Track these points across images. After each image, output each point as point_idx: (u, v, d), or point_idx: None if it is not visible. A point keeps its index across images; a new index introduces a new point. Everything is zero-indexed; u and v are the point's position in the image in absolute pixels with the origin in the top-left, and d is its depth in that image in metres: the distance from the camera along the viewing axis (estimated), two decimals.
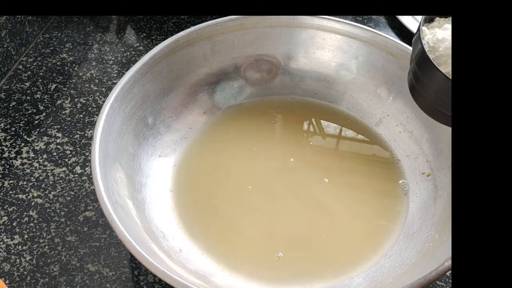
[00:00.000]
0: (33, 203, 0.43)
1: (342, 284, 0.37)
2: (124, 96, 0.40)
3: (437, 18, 0.33)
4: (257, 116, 0.48)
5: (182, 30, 0.44)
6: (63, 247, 0.40)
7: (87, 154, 0.46)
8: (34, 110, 0.50)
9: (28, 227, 0.41)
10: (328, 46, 0.47)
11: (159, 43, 0.43)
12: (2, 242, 0.40)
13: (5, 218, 0.42)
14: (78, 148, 0.47)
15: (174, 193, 0.42)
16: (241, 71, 0.48)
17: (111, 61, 0.56)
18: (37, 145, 0.47)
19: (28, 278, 0.38)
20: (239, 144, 0.46)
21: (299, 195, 0.42)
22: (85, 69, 0.55)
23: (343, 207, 0.42)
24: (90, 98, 0.52)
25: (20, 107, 0.50)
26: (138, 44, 0.58)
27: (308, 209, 0.42)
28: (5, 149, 0.46)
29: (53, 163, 0.46)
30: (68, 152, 0.47)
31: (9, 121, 0.49)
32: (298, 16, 0.46)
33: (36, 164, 0.45)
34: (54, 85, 0.53)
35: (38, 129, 0.48)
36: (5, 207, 0.42)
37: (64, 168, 0.45)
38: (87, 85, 0.53)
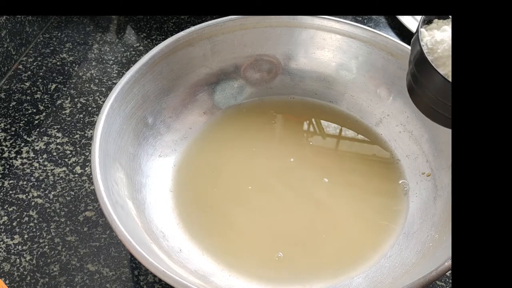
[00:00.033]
0: (33, 203, 0.43)
1: (342, 284, 0.37)
2: (124, 96, 0.40)
3: (436, 20, 0.33)
4: (257, 116, 0.48)
5: (182, 30, 0.44)
6: (63, 247, 0.40)
7: (87, 154, 0.47)
8: (34, 110, 0.50)
9: (28, 227, 0.41)
10: (328, 46, 0.47)
11: (159, 43, 0.43)
12: (2, 242, 0.40)
13: (5, 218, 0.42)
14: (78, 148, 0.47)
15: (174, 193, 0.42)
16: (241, 71, 0.48)
17: (111, 61, 0.56)
18: (37, 145, 0.47)
19: (28, 278, 0.38)
20: (239, 144, 0.46)
21: (299, 195, 0.42)
22: (85, 69, 0.55)
23: (343, 207, 0.42)
24: (90, 98, 0.52)
25: (20, 107, 0.50)
26: (138, 44, 0.58)
27: (308, 209, 0.42)
28: (5, 149, 0.46)
29: (53, 163, 0.46)
30: (68, 152, 0.47)
31: (9, 121, 0.49)
32: (298, 16, 0.46)
33: (36, 164, 0.45)
34: (54, 85, 0.53)
35: (38, 129, 0.48)
36: (5, 207, 0.42)
37: (64, 168, 0.45)
38: (87, 85, 0.53)
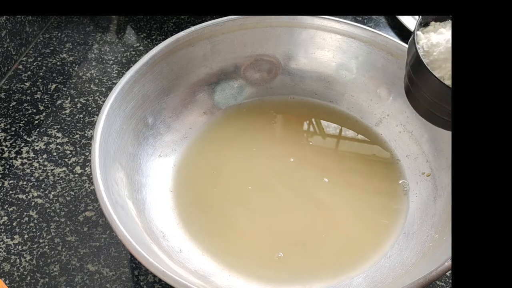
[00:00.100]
0: (33, 203, 0.43)
1: (342, 284, 0.37)
2: (124, 96, 0.40)
3: (433, 23, 0.33)
4: (257, 116, 0.48)
5: (182, 30, 0.44)
6: (63, 247, 0.40)
7: (87, 154, 0.47)
8: (34, 110, 0.50)
9: (28, 227, 0.41)
10: (328, 46, 0.47)
11: (159, 43, 0.43)
12: (2, 242, 0.40)
13: (5, 218, 0.42)
14: (78, 148, 0.47)
15: (174, 193, 0.42)
16: (241, 71, 0.48)
17: (111, 61, 0.56)
18: (37, 145, 0.47)
19: (28, 278, 0.38)
20: (239, 144, 0.46)
21: (299, 195, 0.42)
22: (85, 69, 0.55)
23: (343, 207, 0.42)
24: (90, 98, 0.52)
25: (20, 107, 0.50)
26: (138, 44, 0.58)
27: (308, 209, 0.42)
28: (5, 149, 0.46)
29: (53, 163, 0.46)
30: (68, 152, 0.47)
31: (9, 121, 0.49)
32: (298, 16, 0.46)
33: (36, 164, 0.45)
34: (54, 85, 0.53)
35: (38, 129, 0.48)
36: (5, 207, 0.42)
37: (64, 168, 0.45)
38: (87, 85, 0.53)
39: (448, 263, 0.31)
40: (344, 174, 0.44)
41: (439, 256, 0.33)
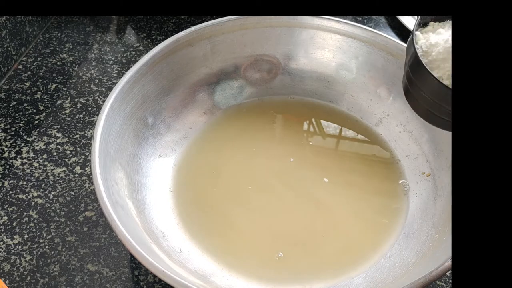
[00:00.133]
0: (33, 203, 0.43)
1: (342, 284, 0.37)
2: (124, 96, 0.40)
3: (431, 23, 0.34)
4: (257, 116, 0.48)
5: (182, 30, 0.44)
6: (63, 247, 0.40)
7: (87, 154, 0.47)
8: (34, 110, 0.50)
9: (28, 227, 0.41)
10: (328, 46, 0.47)
11: (159, 43, 0.43)
12: (2, 242, 0.40)
13: (5, 218, 0.42)
14: (78, 148, 0.47)
15: (174, 193, 0.42)
16: (241, 71, 0.48)
17: (111, 61, 0.56)
18: (37, 145, 0.47)
19: (28, 278, 0.38)
20: (239, 144, 0.46)
21: (299, 195, 0.42)
22: (85, 69, 0.55)
23: (343, 207, 0.42)
24: (90, 98, 0.52)
25: (20, 107, 0.50)
26: (138, 44, 0.58)
27: (308, 209, 0.42)
28: (5, 149, 0.46)
29: (53, 163, 0.46)
30: (68, 152, 0.47)
31: (9, 121, 0.49)
32: (298, 16, 0.46)
33: (36, 164, 0.45)
34: (54, 85, 0.53)
35: (38, 129, 0.48)
36: (5, 207, 0.42)
37: (64, 168, 0.45)
38: (87, 85, 0.53)
39: (448, 263, 0.31)
40: (344, 174, 0.44)
41: (439, 256, 0.33)
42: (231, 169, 0.44)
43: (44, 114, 0.50)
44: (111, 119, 0.38)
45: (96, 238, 0.41)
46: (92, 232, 0.41)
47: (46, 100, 0.51)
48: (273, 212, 0.41)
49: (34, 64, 0.55)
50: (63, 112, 0.50)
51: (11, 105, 0.50)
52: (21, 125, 0.48)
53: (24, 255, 0.39)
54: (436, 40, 0.31)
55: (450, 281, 0.40)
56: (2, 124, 0.48)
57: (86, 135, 0.48)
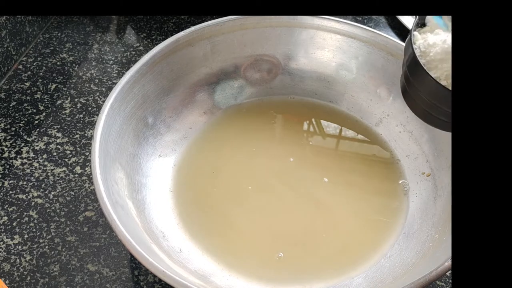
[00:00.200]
0: (33, 203, 0.43)
1: (342, 284, 0.37)
2: (124, 96, 0.40)
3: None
4: (257, 116, 0.48)
5: (182, 30, 0.44)
6: (63, 247, 0.40)
7: (87, 154, 0.47)
8: (34, 110, 0.50)
9: (28, 227, 0.41)
10: (328, 46, 0.47)
11: (159, 43, 0.43)
12: (2, 242, 0.40)
13: (5, 218, 0.42)
14: (78, 148, 0.47)
15: (174, 193, 0.42)
16: (241, 71, 0.48)
17: (111, 61, 0.56)
18: (37, 145, 0.47)
19: (28, 278, 0.38)
20: (239, 144, 0.46)
21: (299, 195, 0.42)
22: (85, 69, 0.55)
23: (343, 207, 0.42)
24: (90, 98, 0.52)
25: (20, 107, 0.50)
26: (138, 44, 0.58)
27: (308, 209, 0.42)
28: (5, 149, 0.46)
29: (53, 163, 0.46)
30: (68, 152, 0.47)
31: (9, 121, 0.49)
32: (298, 16, 0.46)
33: (36, 164, 0.45)
34: (54, 85, 0.53)
35: (38, 129, 0.48)
36: (5, 207, 0.42)
37: (64, 168, 0.45)
38: (87, 85, 0.53)
39: (448, 263, 0.31)
40: (344, 174, 0.44)
41: (439, 256, 0.33)
42: (231, 169, 0.44)
43: (44, 114, 0.50)
44: (111, 119, 0.38)
45: (96, 238, 0.41)
46: (92, 232, 0.41)
47: (46, 100, 0.51)
48: (273, 212, 0.41)
49: (34, 64, 0.55)
50: (63, 112, 0.50)
51: (11, 105, 0.50)
52: (21, 125, 0.48)
53: (24, 255, 0.39)
54: (434, 40, 0.31)
55: (450, 281, 0.40)
56: (2, 124, 0.48)
57: (86, 135, 0.48)
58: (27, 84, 0.53)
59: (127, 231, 0.31)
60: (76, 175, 0.45)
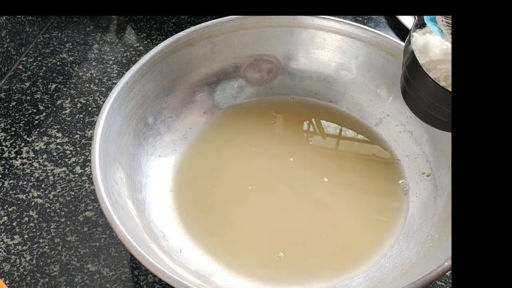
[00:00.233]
0: (33, 203, 0.43)
1: (342, 284, 0.37)
2: (124, 96, 0.40)
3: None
4: (257, 116, 0.48)
5: (182, 30, 0.44)
6: (63, 247, 0.40)
7: (87, 154, 0.47)
8: (34, 110, 0.50)
9: (28, 227, 0.41)
10: (328, 46, 0.47)
11: (159, 43, 0.43)
12: (2, 242, 0.40)
13: (5, 218, 0.42)
14: (78, 148, 0.47)
15: (174, 193, 0.42)
16: (241, 71, 0.48)
17: (111, 61, 0.56)
18: (37, 145, 0.47)
19: (28, 278, 0.38)
20: (239, 144, 0.46)
21: (299, 195, 0.42)
22: (85, 69, 0.55)
23: (343, 207, 0.42)
24: (90, 98, 0.52)
25: (20, 107, 0.50)
26: (138, 44, 0.58)
27: (308, 209, 0.42)
28: (5, 149, 0.46)
29: (53, 163, 0.46)
30: (68, 152, 0.47)
31: (9, 121, 0.49)
32: (298, 16, 0.46)
33: (36, 164, 0.45)
34: (54, 85, 0.53)
35: (38, 129, 0.48)
36: (5, 207, 0.42)
37: (64, 168, 0.45)
38: (87, 85, 0.53)
39: (448, 263, 0.31)
40: (344, 174, 0.44)
41: (439, 256, 0.33)
42: (231, 169, 0.44)
43: (44, 114, 0.50)
44: (111, 119, 0.38)
45: (96, 238, 0.41)
46: (92, 232, 0.41)
47: (46, 100, 0.51)
48: (273, 212, 0.41)
49: (34, 64, 0.55)
50: (63, 112, 0.50)
51: (11, 105, 0.50)
52: (21, 125, 0.48)
53: (24, 255, 0.39)
54: (433, 41, 0.31)
55: (450, 281, 0.40)
56: (2, 124, 0.48)
57: (86, 135, 0.48)
58: (27, 84, 0.53)
59: (127, 231, 0.31)
60: (76, 175, 0.45)
